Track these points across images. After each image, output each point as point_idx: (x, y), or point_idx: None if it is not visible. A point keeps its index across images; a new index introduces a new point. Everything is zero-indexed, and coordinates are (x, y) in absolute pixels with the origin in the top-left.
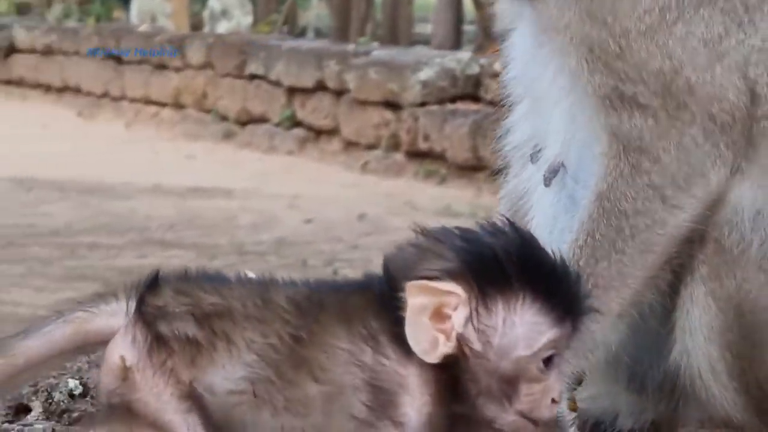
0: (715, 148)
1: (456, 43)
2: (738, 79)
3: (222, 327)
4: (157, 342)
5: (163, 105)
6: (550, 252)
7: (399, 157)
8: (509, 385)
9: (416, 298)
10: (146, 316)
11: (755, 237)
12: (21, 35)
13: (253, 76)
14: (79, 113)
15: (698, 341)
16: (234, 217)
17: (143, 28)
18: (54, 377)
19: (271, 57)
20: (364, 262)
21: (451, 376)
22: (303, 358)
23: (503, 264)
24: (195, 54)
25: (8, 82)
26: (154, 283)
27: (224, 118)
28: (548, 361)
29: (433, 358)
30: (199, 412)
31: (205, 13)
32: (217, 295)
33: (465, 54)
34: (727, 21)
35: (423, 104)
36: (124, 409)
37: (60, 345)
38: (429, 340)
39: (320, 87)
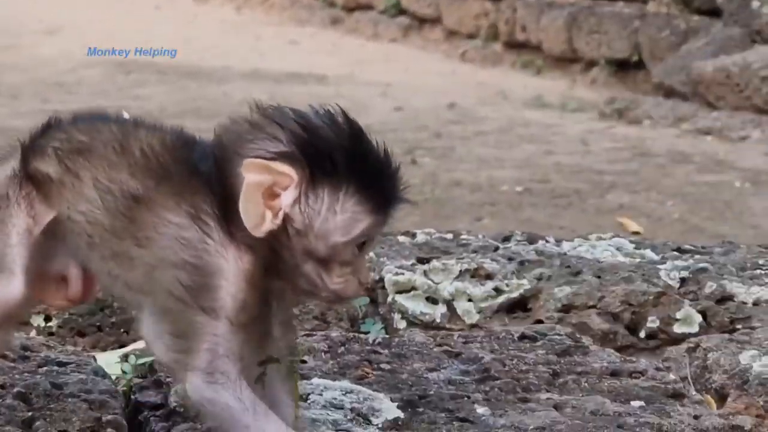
0: None
1: None
2: None
3: (75, 163)
4: (27, 176)
5: None
6: (376, 144)
7: (497, 47)
8: (324, 265)
9: (253, 175)
10: (26, 153)
11: None
12: None
13: None
14: None
15: None
16: (325, 103)
17: None
18: None
19: None
20: (445, 150)
21: (272, 255)
22: (134, 218)
23: (333, 153)
24: None
25: None
26: (47, 126)
27: (332, 3)
28: (360, 247)
29: (260, 233)
30: (32, 248)
31: None
32: (86, 135)
33: None
34: None
35: None
36: None
37: None
38: (259, 215)
39: None
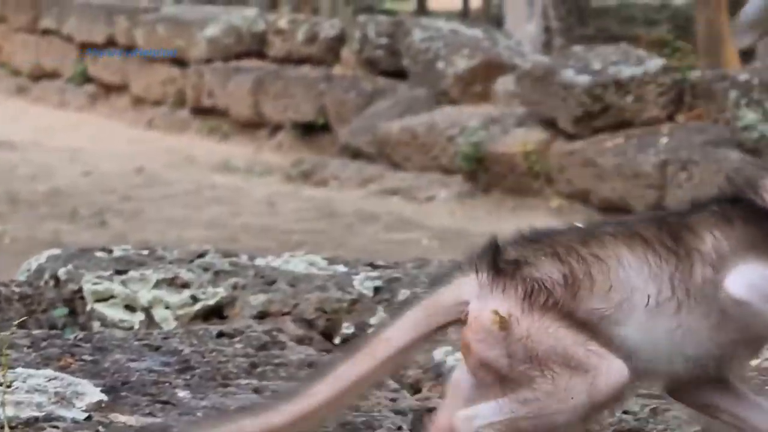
0: None
1: None
2: None
3: (591, 251)
4: (531, 287)
5: None
6: None
7: (184, 113)
8: None
9: None
10: (505, 271)
11: None
12: None
13: (45, 31)
14: None
15: None
16: (14, 167)
17: None
18: None
19: (64, 12)
20: (134, 212)
21: None
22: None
23: None
24: None
25: None
26: (496, 247)
27: (17, 73)
28: None
29: None
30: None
31: None
32: (567, 236)
33: (251, 11)
34: None
35: (209, 61)
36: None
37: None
38: None
39: (111, 43)
